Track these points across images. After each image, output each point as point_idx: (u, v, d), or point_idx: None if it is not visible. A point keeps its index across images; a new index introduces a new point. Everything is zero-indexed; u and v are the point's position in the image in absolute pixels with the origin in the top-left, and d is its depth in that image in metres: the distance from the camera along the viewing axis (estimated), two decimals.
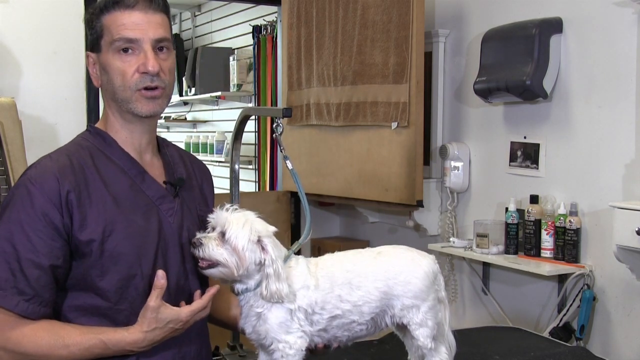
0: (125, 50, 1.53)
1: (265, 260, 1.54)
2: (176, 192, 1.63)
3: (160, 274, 1.49)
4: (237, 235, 1.53)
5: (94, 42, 1.58)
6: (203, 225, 1.65)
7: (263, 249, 1.55)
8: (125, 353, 1.50)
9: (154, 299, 1.47)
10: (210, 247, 1.54)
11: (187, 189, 1.68)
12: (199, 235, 1.56)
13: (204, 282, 1.67)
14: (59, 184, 1.47)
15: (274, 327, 1.57)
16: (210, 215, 1.59)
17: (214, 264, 1.55)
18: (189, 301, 1.59)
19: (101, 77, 1.58)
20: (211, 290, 1.56)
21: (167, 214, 1.60)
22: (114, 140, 1.59)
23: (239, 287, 1.59)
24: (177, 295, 1.58)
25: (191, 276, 1.63)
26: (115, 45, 1.53)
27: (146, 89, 1.54)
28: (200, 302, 1.55)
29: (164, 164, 1.67)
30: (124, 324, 1.51)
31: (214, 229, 1.57)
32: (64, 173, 1.48)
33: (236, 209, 1.58)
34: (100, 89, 1.62)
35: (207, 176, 1.81)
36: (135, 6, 1.53)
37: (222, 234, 1.55)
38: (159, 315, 1.48)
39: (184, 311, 1.51)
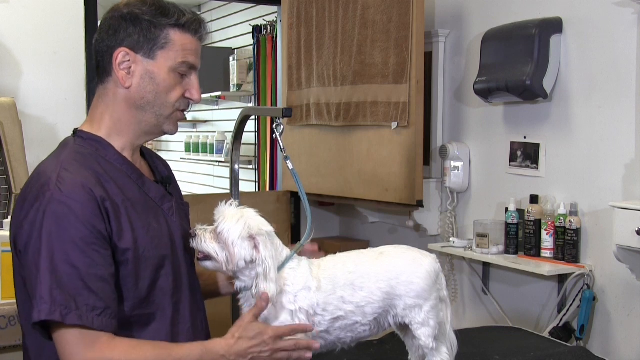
0: (184, 74, 1.56)
1: (256, 258, 1.55)
2: (167, 190, 1.65)
3: (265, 297, 1.53)
4: (228, 230, 1.54)
5: (144, 45, 1.53)
6: (186, 218, 1.69)
7: (256, 247, 1.55)
8: None
9: (250, 315, 1.52)
10: (203, 239, 1.56)
11: (172, 185, 1.71)
12: (196, 226, 1.59)
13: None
14: (94, 194, 1.44)
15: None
16: (215, 210, 1.60)
17: (207, 256, 1.57)
18: (193, 298, 1.63)
19: (140, 82, 1.54)
20: (293, 326, 1.57)
21: (169, 213, 1.62)
22: (109, 145, 1.56)
23: (238, 285, 1.61)
24: (189, 290, 1.61)
25: (193, 270, 1.66)
26: (178, 67, 1.55)
27: (182, 110, 1.60)
28: (284, 327, 1.55)
29: (147, 163, 1.69)
30: (149, 329, 1.52)
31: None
32: (92, 184, 1.45)
33: (238, 205, 1.59)
34: (125, 90, 1.54)
35: (170, 168, 1.83)
36: (200, 36, 1.59)
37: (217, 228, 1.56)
38: (248, 326, 1.51)
39: (270, 328, 1.53)
